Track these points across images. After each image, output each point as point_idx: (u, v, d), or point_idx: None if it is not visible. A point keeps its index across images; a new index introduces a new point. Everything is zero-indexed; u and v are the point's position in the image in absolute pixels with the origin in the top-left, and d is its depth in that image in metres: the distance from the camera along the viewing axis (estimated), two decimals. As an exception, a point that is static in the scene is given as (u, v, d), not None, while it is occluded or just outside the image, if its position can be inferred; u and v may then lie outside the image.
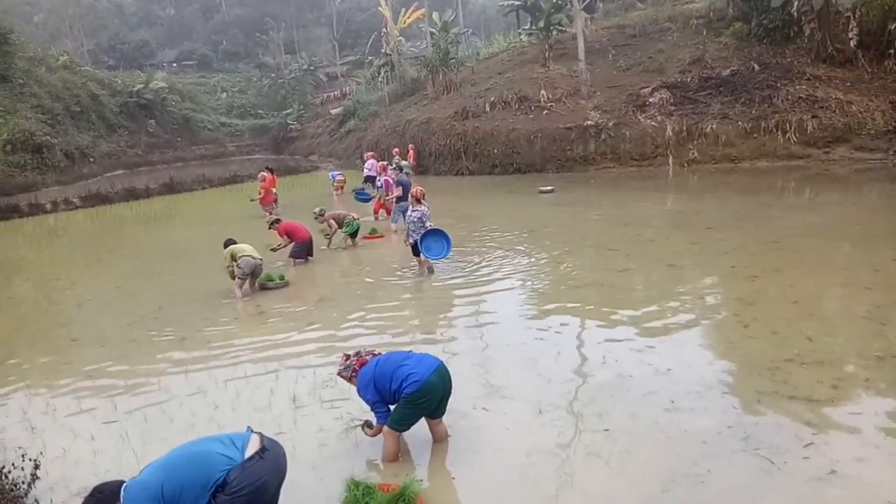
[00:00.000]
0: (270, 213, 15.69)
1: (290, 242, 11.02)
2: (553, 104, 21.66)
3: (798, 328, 6.36)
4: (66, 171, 30.89)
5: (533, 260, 9.91)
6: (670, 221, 12.04)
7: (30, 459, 4.58)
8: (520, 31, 30.62)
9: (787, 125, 18.19)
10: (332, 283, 9.88)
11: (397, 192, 13.36)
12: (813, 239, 9.87)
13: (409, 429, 4.55)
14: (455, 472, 4.48)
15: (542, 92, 22.15)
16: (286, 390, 5.98)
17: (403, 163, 23.21)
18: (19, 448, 5.03)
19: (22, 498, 4.35)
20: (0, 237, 17.96)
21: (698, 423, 4.81)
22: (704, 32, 22.32)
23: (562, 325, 7.05)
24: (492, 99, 22.80)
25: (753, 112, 18.75)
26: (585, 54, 22.32)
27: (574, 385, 5.63)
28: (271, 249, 11.01)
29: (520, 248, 10.75)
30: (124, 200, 23.18)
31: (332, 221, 12.33)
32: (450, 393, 4.62)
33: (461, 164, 22.26)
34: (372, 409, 4.52)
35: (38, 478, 4.44)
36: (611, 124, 20.04)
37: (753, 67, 20.06)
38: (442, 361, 4.60)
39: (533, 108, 21.82)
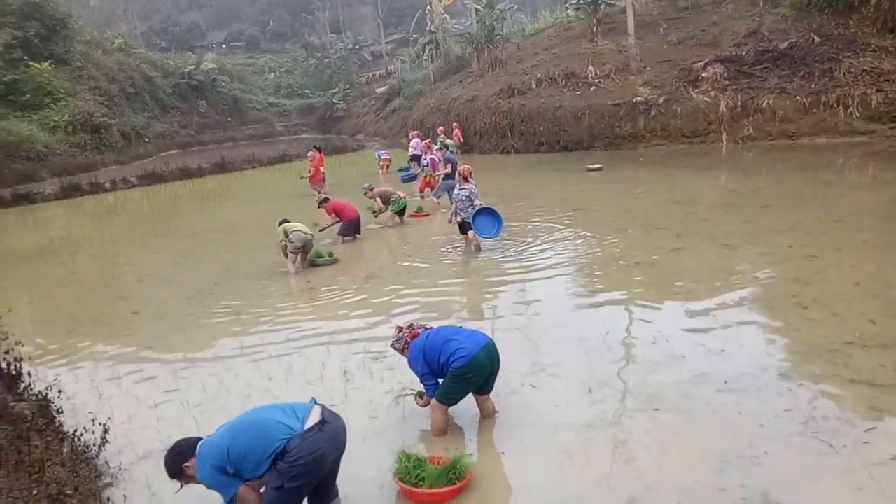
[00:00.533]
0: (319, 192, 16.01)
1: (338, 221, 11.18)
2: (601, 80, 21.21)
3: (860, 310, 6.13)
4: (122, 151, 32.01)
5: (581, 239, 9.81)
6: (724, 200, 11.70)
7: (99, 424, 4.82)
8: (567, 5, 29.96)
9: (850, 99, 17.35)
10: (380, 260, 10.02)
11: (446, 169, 13.37)
12: (876, 218, 9.45)
13: (456, 403, 4.59)
14: (504, 447, 4.49)
15: (590, 68, 21.70)
16: (337, 364, 6.08)
17: (448, 141, 23.08)
18: (89, 413, 5.29)
19: (93, 459, 4.60)
20: (64, 215, 18.79)
21: (753, 405, 4.70)
22: (761, 3, 21.38)
23: (611, 304, 6.98)
24: (538, 76, 22.48)
25: (813, 86, 17.95)
26: (635, 28, 21.69)
27: (624, 365, 5.56)
28: (320, 230, 11.21)
29: (567, 226, 10.67)
30: (178, 179, 23.88)
31: (378, 199, 12.46)
32: (497, 370, 4.64)
33: (507, 143, 22.10)
34: (421, 381, 4.58)
35: (107, 441, 4.68)
36: (661, 100, 19.51)
37: (813, 39, 19.16)
38: (491, 339, 4.61)
39: (580, 84, 21.42)
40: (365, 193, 12.58)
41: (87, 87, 33.18)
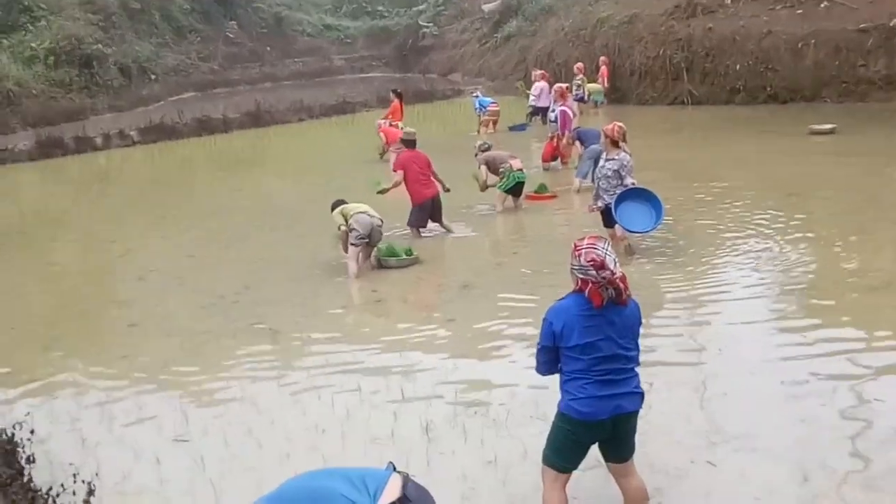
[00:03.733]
0: (398, 153, 16.95)
1: (399, 183, 11.41)
2: (836, -8, 20.65)
3: None
4: (120, 93, 33.63)
5: (795, 243, 9.68)
6: None
7: (82, 482, 5.15)
8: None
9: None
10: (480, 263, 10.14)
11: (576, 146, 13.70)
12: None
13: (570, 469, 4.59)
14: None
15: (819, -28, 21.11)
16: (416, 415, 6.20)
17: (592, 86, 23.12)
18: (70, 465, 5.67)
19: (74, 532, 4.94)
20: (40, 182, 20.22)
21: None
22: None
23: (840, 348, 6.87)
24: (734, -16, 22.29)
25: None
26: None
27: (860, 440, 5.43)
28: (378, 192, 11.55)
29: (773, 222, 10.52)
30: (196, 135, 24.98)
31: (483, 168, 12.60)
32: (624, 436, 4.63)
33: (681, 89, 22.00)
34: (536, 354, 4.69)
35: (92, 506, 5.01)
36: (935, 24, 18.67)
37: None
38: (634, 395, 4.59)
39: (802, -1, 21.05)
40: (475, 156, 13.00)
41: (76, 3, 35.12)
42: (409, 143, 11.74)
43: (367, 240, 9.81)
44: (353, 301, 9.39)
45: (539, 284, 8.91)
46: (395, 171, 11.58)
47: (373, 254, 10.15)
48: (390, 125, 18.13)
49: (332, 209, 10.16)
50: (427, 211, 11.38)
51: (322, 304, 9.00)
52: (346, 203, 10.15)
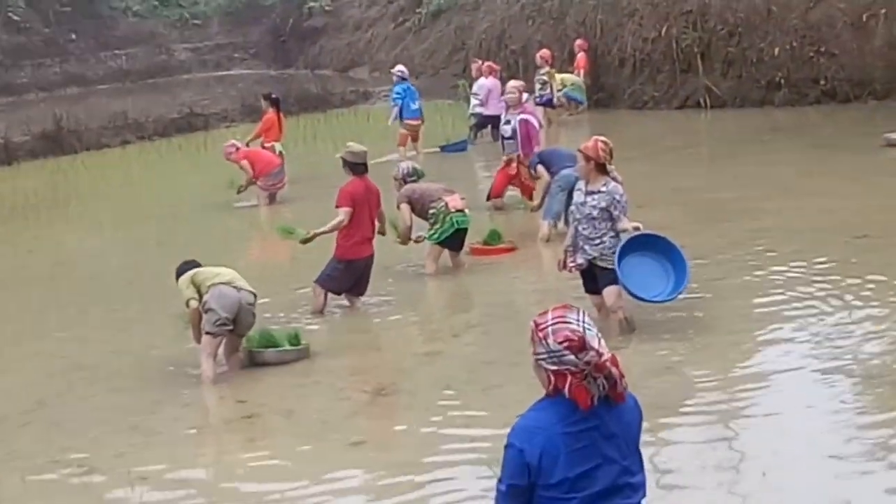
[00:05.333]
0: (271, 191, 16.94)
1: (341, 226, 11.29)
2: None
3: None
4: None
5: (867, 311, 9.78)
6: None
7: None
8: None
9: None
10: (403, 354, 10.15)
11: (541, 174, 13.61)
12: None
13: None
14: None
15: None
16: None
17: (567, 76, 23.20)
18: None
19: None
20: None
21: None
22: None
23: None
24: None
25: None
26: None
27: None
28: (302, 241, 11.59)
29: (835, 279, 10.62)
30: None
31: (404, 207, 12.46)
32: None
33: (694, 85, 22.29)
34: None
35: None
36: None
37: None
38: None
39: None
40: (396, 188, 12.86)
41: None
42: (359, 166, 11.50)
43: (230, 326, 9.61)
44: (209, 419, 9.22)
45: (494, 385, 8.80)
46: (340, 206, 11.36)
47: (241, 345, 9.96)
48: (263, 146, 18.08)
49: (178, 276, 9.92)
50: (356, 275, 11.30)
51: (162, 425, 8.75)
52: (200, 267, 9.98)
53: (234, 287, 9.63)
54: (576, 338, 4.12)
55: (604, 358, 4.11)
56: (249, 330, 9.90)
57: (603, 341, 4.17)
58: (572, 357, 4.14)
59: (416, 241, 12.58)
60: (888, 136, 16.50)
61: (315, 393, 9.44)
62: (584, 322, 4.28)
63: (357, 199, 11.21)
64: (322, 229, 11.39)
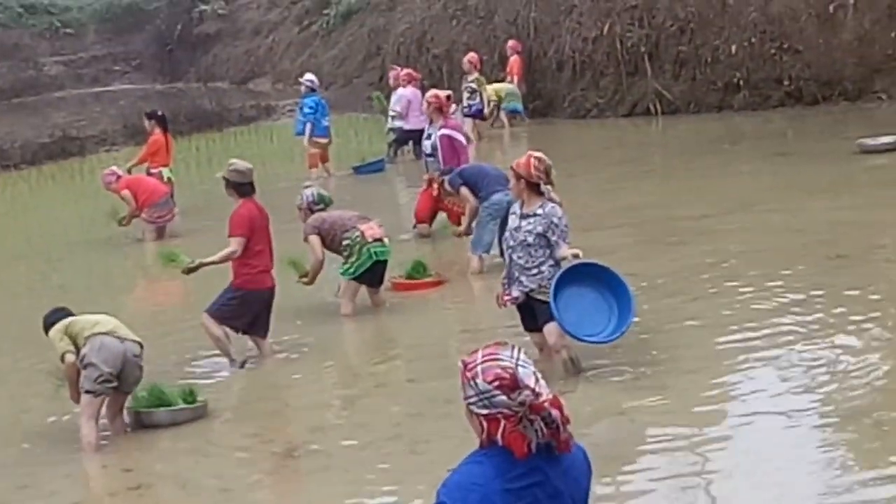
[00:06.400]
0: (158, 223, 16.75)
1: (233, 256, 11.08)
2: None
3: None
4: None
5: (846, 342, 9.73)
6: None
7: None
8: None
9: None
10: (319, 407, 10.01)
11: (467, 197, 13.52)
12: None
13: None
14: None
15: None
16: None
17: (501, 86, 23.21)
18: None
19: None
20: None
21: None
22: None
23: None
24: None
25: None
26: None
27: None
28: (185, 270, 11.45)
29: (808, 307, 10.63)
30: None
31: (313, 239, 12.36)
32: None
33: (643, 89, 22.44)
34: None
35: None
36: None
37: None
38: None
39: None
40: (301, 219, 12.70)
41: None
42: (246, 186, 11.31)
43: (114, 383, 9.37)
44: (92, 491, 9.05)
45: (422, 440, 8.74)
46: (234, 235, 11.19)
47: (126, 403, 9.74)
48: (149, 172, 17.91)
49: (48, 328, 9.67)
50: (254, 310, 11.12)
51: (37, 500, 8.61)
52: (74, 316, 9.79)
53: (117, 337, 9.36)
54: (507, 375, 3.99)
55: (541, 398, 4.01)
56: (136, 386, 9.62)
57: (542, 381, 4.07)
58: (504, 398, 4.01)
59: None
60: (862, 141, 16.64)
61: (214, 458, 9.21)
62: (517, 359, 4.16)
63: (254, 225, 11.08)
64: (211, 259, 11.26)
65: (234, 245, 10.95)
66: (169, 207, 17.65)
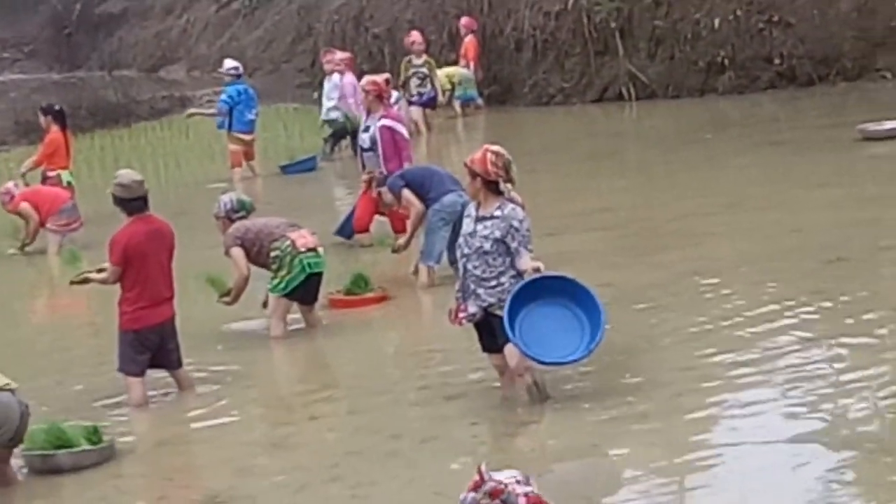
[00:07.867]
0: (65, 232, 17.14)
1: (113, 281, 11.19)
2: None
3: None
4: None
5: (850, 356, 9.82)
6: None
7: None
8: None
9: None
10: (242, 448, 9.95)
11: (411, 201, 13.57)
12: None
13: None
14: None
15: None
16: None
17: (454, 70, 23.28)
18: None
19: None
20: None
21: None
22: None
23: None
24: None
25: None
26: None
27: None
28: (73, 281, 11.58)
29: (805, 317, 10.75)
30: None
31: (235, 252, 12.34)
32: None
33: (614, 71, 22.66)
34: None
35: None
36: None
37: None
38: None
39: None
40: (219, 227, 12.80)
41: None
42: (134, 203, 11.24)
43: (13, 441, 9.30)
44: None
45: (364, 482, 8.53)
46: (113, 263, 11.16)
47: (15, 452, 9.56)
48: (46, 176, 17.88)
49: None
50: (151, 347, 11.05)
51: None
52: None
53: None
54: (476, 476, 4.12)
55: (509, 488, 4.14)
56: (23, 432, 9.34)
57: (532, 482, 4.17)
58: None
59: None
60: (864, 126, 16.81)
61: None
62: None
63: (135, 251, 10.94)
64: (94, 276, 11.45)
65: (108, 273, 11.07)
66: (75, 215, 17.65)
